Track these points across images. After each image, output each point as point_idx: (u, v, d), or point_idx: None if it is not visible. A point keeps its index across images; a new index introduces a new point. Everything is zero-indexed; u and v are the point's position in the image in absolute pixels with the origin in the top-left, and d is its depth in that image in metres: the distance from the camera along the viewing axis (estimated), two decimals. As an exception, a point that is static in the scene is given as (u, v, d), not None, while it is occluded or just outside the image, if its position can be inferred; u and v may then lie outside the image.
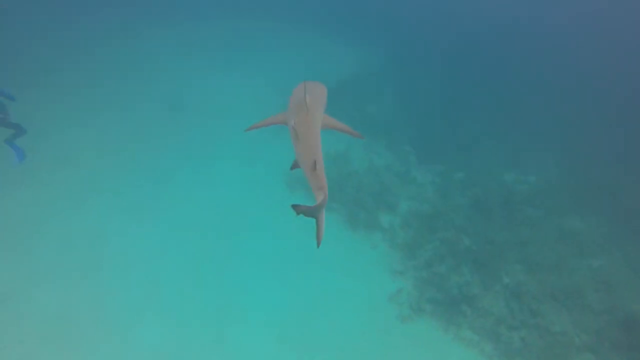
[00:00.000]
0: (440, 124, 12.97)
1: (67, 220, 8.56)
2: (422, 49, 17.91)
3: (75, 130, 11.20)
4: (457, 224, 9.30)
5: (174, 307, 7.28)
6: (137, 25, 17.99)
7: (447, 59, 17.17)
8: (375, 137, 12.03)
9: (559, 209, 10.03)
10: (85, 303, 7.12)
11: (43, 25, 16.41)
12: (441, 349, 7.11)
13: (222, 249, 8.36)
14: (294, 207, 2.60)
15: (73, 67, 14.15)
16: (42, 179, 9.45)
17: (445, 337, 7.33)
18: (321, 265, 8.27)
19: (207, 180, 10.05)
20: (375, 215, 9.53)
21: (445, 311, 7.67)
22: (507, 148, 12.16)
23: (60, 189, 9.31)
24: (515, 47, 19.12)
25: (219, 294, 7.58)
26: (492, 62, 17.47)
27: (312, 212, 2.67)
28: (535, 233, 9.30)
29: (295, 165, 3.06)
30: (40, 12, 17.29)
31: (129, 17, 18.57)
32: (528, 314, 7.72)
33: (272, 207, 9.40)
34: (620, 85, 16.64)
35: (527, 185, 10.86)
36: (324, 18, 20.32)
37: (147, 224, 8.68)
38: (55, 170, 9.76)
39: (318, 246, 2.81)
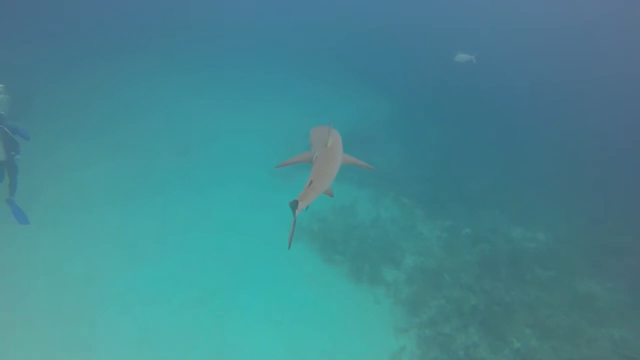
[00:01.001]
0: (448, 178, 13.16)
1: (64, 262, 8.59)
2: (431, 103, 18.63)
3: (80, 171, 11.49)
4: (463, 281, 9.07)
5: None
6: (154, 71, 19.21)
7: (455, 113, 17.75)
8: (382, 190, 12.25)
9: (571, 270, 9.68)
10: (75, 347, 7.04)
11: (59, 70, 17.32)
12: (446, 419, 6.61)
13: (220, 299, 8.29)
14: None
15: (81, 109, 14.92)
16: (44, 220, 9.47)
17: (451, 405, 6.84)
18: (322, 319, 8.08)
19: (209, 225, 10.18)
20: (379, 269, 9.43)
21: (451, 376, 7.23)
22: (515, 203, 12.10)
23: (61, 230, 9.36)
24: (526, 101, 19.66)
25: (215, 346, 7.43)
26: (502, 116, 17.92)
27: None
28: (547, 295, 8.93)
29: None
30: (56, 57, 18.45)
31: (144, 63, 19.82)
32: (542, 384, 7.18)
33: (273, 257, 9.41)
34: (635, 141, 16.57)
35: (536, 243, 10.64)
36: (332, 68, 21.52)
37: (146, 268, 8.71)
38: (58, 211, 9.86)
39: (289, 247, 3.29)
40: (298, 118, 16.05)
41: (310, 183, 3.18)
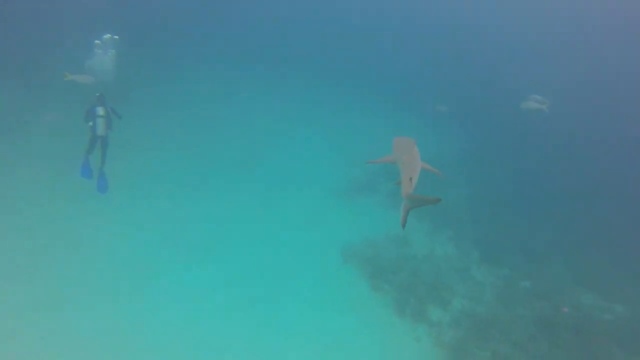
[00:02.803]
0: (511, 225, 12.37)
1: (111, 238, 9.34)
2: (505, 148, 17.73)
3: (138, 156, 12.44)
4: (514, 338, 8.45)
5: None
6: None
7: (528, 160, 16.66)
8: (441, 226, 11.97)
9: (651, 355, 8.46)
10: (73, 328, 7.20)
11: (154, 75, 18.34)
12: None
13: (261, 314, 8.36)
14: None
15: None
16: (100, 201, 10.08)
17: None
18: (357, 347, 8.06)
19: (261, 239, 10.44)
20: (425, 306, 9.22)
21: None
22: (587, 265, 10.93)
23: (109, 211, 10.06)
24: (604, 155, 17.66)
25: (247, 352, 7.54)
26: (581, 168, 16.34)
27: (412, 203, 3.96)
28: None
29: (398, 183, 4.33)
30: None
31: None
32: None
33: (322, 277, 9.63)
34: None
35: (612, 316, 9.49)
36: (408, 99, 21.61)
37: (193, 269, 9.08)
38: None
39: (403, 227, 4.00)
40: (366, 141, 16.37)
41: (411, 179, 4.05)
